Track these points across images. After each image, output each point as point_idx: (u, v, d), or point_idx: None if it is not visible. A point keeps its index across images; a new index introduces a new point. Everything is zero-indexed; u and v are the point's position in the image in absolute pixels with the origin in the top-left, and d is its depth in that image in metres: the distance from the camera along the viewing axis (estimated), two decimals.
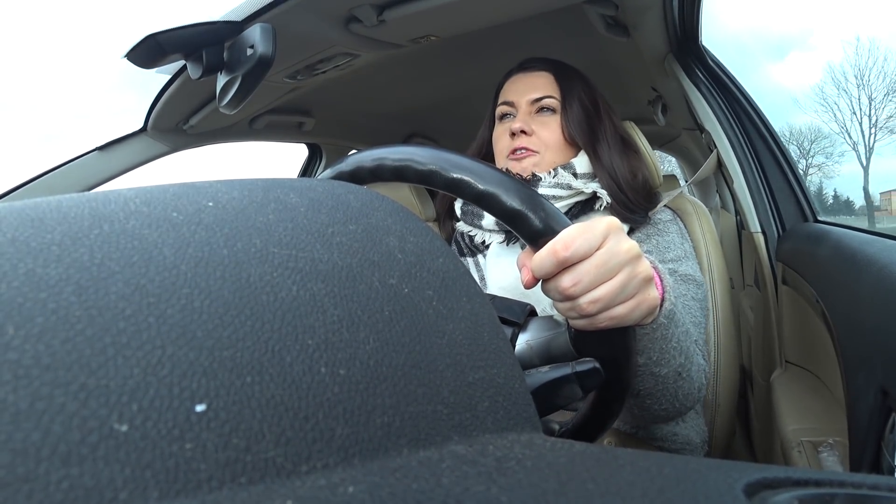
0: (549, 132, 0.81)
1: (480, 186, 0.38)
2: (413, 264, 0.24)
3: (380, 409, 0.18)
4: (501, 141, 0.84)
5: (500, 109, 0.86)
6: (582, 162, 0.80)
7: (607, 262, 0.38)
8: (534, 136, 0.81)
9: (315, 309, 0.19)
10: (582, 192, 0.78)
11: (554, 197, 0.77)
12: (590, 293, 0.39)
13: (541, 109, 0.83)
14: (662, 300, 0.48)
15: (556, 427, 0.50)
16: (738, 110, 1.08)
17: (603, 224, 0.39)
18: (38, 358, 0.14)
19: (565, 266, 0.38)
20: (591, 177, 0.80)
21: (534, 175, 0.79)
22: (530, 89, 0.83)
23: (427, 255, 0.25)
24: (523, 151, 0.80)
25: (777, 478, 0.16)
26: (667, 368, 0.53)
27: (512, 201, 0.38)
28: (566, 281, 0.38)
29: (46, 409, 0.13)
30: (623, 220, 0.79)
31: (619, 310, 0.40)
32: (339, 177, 0.43)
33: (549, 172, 0.79)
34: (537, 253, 0.38)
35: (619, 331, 0.42)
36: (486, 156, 0.90)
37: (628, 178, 0.80)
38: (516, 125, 0.80)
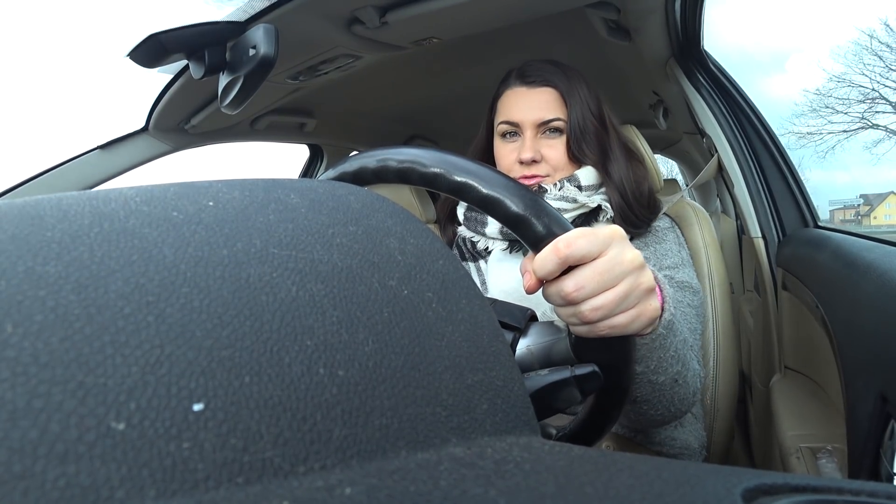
0: (556, 153, 0.79)
1: (485, 191, 0.38)
2: (413, 266, 0.24)
3: (378, 410, 0.18)
4: (506, 161, 0.81)
5: (502, 128, 0.82)
6: (586, 174, 0.79)
7: (611, 269, 0.38)
8: (543, 161, 0.79)
9: (314, 310, 0.19)
10: (586, 205, 0.78)
11: (559, 210, 0.76)
12: (592, 300, 0.38)
13: (548, 130, 0.80)
14: (662, 311, 0.48)
15: (553, 432, 0.50)
16: (740, 115, 1.08)
17: (607, 231, 0.39)
18: (37, 355, 0.14)
19: (567, 266, 0.38)
20: (596, 188, 0.80)
21: (540, 187, 0.78)
22: (536, 109, 0.79)
23: (427, 257, 0.25)
24: (534, 178, 0.79)
25: (775, 484, 0.16)
26: (664, 376, 0.53)
27: (516, 206, 0.37)
28: (569, 285, 0.38)
29: (44, 407, 0.13)
30: (625, 230, 0.79)
31: (621, 319, 0.40)
32: (342, 177, 0.43)
33: (555, 185, 0.78)
34: (539, 253, 0.38)
35: (619, 338, 0.42)
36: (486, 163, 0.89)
37: (635, 189, 0.80)
38: (526, 155, 0.77)
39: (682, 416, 0.61)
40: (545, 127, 0.80)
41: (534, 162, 0.78)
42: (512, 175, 0.80)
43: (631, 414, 0.60)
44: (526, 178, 0.79)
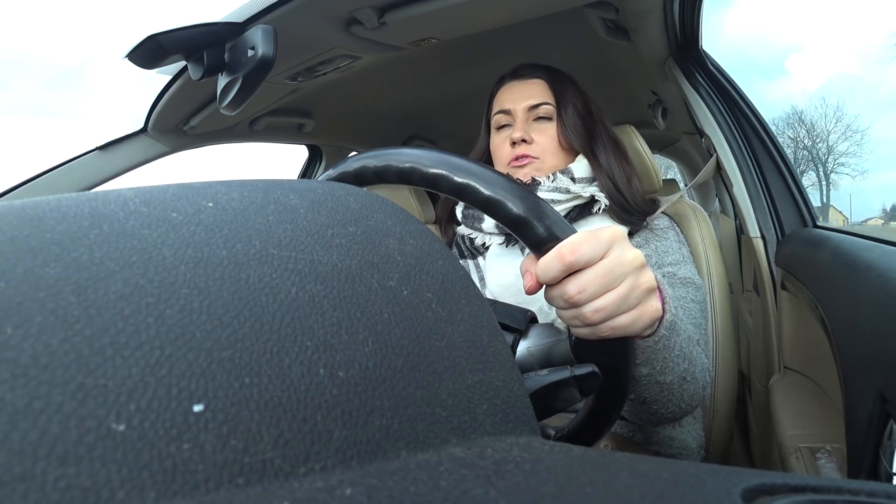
0: (547, 139, 0.82)
1: (486, 192, 0.38)
2: (412, 267, 0.24)
3: (378, 411, 0.18)
4: (502, 150, 0.85)
5: (496, 119, 0.86)
6: (579, 167, 0.81)
7: (612, 270, 0.38)
8: (533, 143, 0.82)
9: (314, 310, 0.19)
10: (580, 195, 0.79)
11: (553, 201, 0.78)
12: (594, 302, 0.38)
13: (538, 117, 0.84)
14: (664, 311, 0.48)
15: (552, 432, 0.50)
16: (738, 114, 1.08)
17: (608, 232, 0.39)
18: (37, 357, 0.14)
19: (570, 272, 0.38)
20: (589, 181, 0.81)
21: (533, 179, 0.80)
22: (526, 97, 0.84)
23: (427, 257, 0.25)
24: (525, 158, 0.81)
25: (775, 484, 0.16)
26: (671, 376, 0.53)
27: (517, 208, 0.37)
28: (572, 288, 0.38)
29: (44, 409, 0.13)
30: (621, 222, 0.80)
31: (622, 319, 0.40)
32: (343, 177, 0.43)
33: (549, 177, 0.80)
34: (542, 258, 0.38)
35: (619, 340, 0.42)
36: (487, 163, 0.90)
37: (625, 181, 0.81)
38: (516, 134, 0.81)
39: (693, 410, 0.62)
40: (535, 112, 0.84)
41: (524, 142, 0.81)
42: (505, 159, 0.83)
43: (642, 414, 0.60)
44: (518, 158, 0.81)
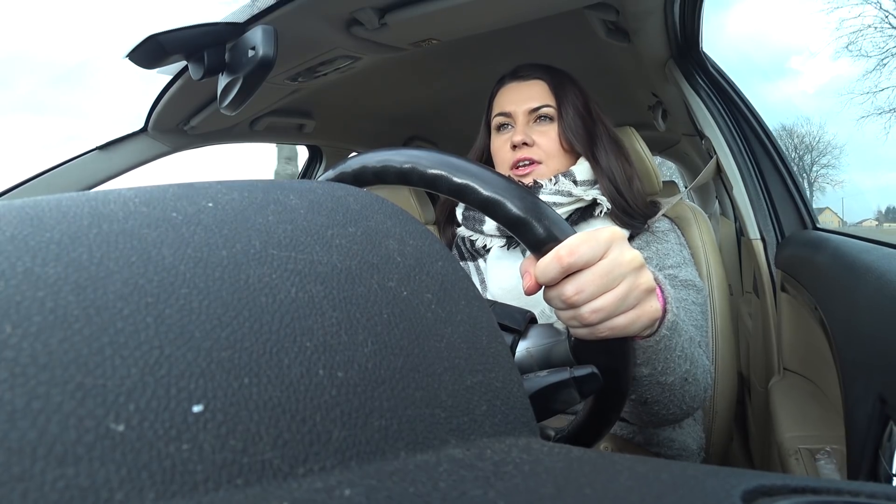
0: (548, 141, 0.82)
1: (485, 193, 0.38)
2: (412, 267, 0.24)
3: (377, 412, 0.18)
4: (502, 152, 0.84)
5: (497, 120, 0.86)
6: (581, 169, 0.81)
7: (611, 271, 0.38)
8: (535, 146, 0.81)
9: (314, 311, 0.19)
10: (582, 199, 0.79)
11: (555, 204, 0.78)
12: (592, 303, 0.39)
13: (539, 119, 0.83)
14: (665, 312, 0.48)
15: (552, 433, 0.50)
16: (738, 117, 1.08)
17: (607, 233, 0.39)
18: (36, 356, 0.14)
19: (569, 273, 0.38)
20: (591, 184, 0.81)
21: (535, 182, 0.79)
22: (526, 99, 0.83)
23: (426, 258, 0.25)
24: (527, 164, 0.81)
25: (774, 485, 0.16)
26: (673, 377, 0.53)
27: (516, 209, 0.37)
28: (569, 289, 0.38)
29: (43, 408, 0.13)
30: (622, 225, 0.80)
31: (621, 320, 0.40)
32: (342, 178, 0.43)
33: (551, 180, 0.79)
34: (541, 259, 0.38)
35: (618, 341, 0.42)
36: (486, 164, 0.90)
37: (626, 183, 0.81)
38: (517, 137, 0.80)
39: (694, 411, 0.62)
40: (536, 114, 0.83)
41: (525, 145, 0.81)
42: (507, 162, 0.83)
43: (643, 415, 0.60)
44: (520, 161, 0.81)
